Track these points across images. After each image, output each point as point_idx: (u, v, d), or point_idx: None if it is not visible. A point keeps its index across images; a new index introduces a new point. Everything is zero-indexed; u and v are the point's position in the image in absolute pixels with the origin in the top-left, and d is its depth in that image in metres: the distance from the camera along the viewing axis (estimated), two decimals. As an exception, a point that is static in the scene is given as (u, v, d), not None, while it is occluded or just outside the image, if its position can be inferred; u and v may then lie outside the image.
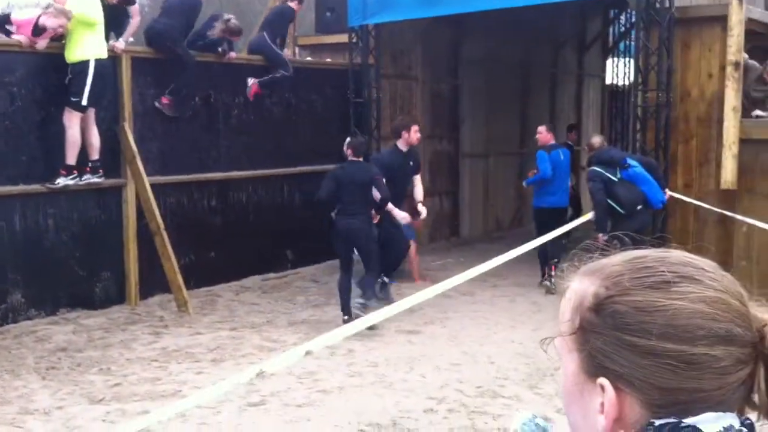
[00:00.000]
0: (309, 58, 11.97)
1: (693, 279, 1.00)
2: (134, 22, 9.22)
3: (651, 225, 9.06)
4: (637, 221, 8.38)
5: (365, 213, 8.14)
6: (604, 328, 1.00)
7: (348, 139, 8.65)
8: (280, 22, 11.21)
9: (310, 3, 13.27)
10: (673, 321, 0.97)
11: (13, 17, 8.32)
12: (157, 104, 9.46)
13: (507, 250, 6.56)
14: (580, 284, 1.05)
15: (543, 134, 10.19)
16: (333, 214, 8.16)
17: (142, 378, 6.73)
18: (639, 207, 8.49)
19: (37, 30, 8.19)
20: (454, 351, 7.46)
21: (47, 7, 8.20)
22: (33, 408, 6.04)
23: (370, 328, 7.62)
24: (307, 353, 4.46)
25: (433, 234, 13.19)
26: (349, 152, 8.28)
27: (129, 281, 9.03)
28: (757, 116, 9.65)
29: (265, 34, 10.87)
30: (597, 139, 9.36)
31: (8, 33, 8.28)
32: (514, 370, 6.80)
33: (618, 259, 1.06)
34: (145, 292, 9.15)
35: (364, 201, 8.11)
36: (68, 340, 7.75)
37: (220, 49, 10.00)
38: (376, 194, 8.16)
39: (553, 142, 10.09)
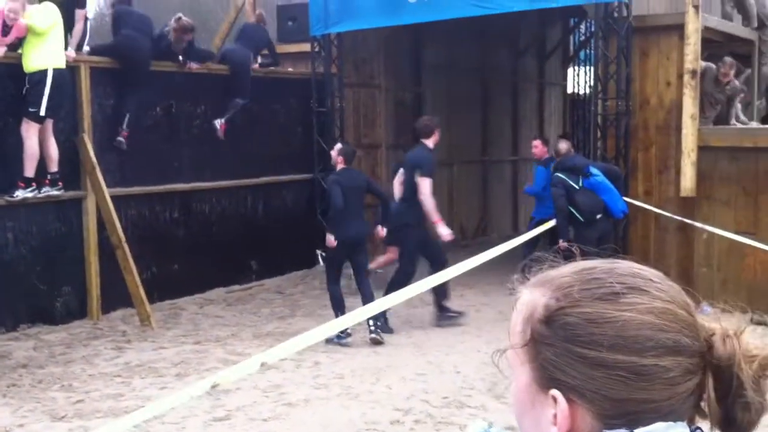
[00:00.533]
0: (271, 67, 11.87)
1: (641, 290, 1.01)
2: (78, 27, 9.02)
3: (613, 234, 9.14)
4: (597, 230, 8.47)
5: (364, 219, 8.20)
6: (555, 340, 1.00)
7: (338, 147, 8.47)
8: (257, 41, 11.20)
9: (272, 12, 13.25)
10: (623, 332, 0.98)
11: None
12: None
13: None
14: (531, 295, 1.06)
15: (538, 148, 10.23)
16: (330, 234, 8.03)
17: (105, 394, 6.64)
18: (599, 216, 8.56)
19: (5, 27, 8.08)
20: (419, 361, 7.46)
21: None
22: (-7, 427, 5.92)
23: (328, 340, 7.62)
24: (263, 365, 4.42)
25: (397, 242, 13.19)
26: (339, 160, 8.17)
27: (90, 295, 8.90)
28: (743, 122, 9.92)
29: (250, 52, 10.87)
30: (563, 146, 9.41)
31: None
32: (480, 379, 6.82)
33: (567, 270, 1.06)
34: (107, 307, 9.02)
35: (362, 207, 8.20)
36: (29, 356, 7.61)
37: (180, 58, 9.92)
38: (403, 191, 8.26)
39: (548, 155, 10.09)
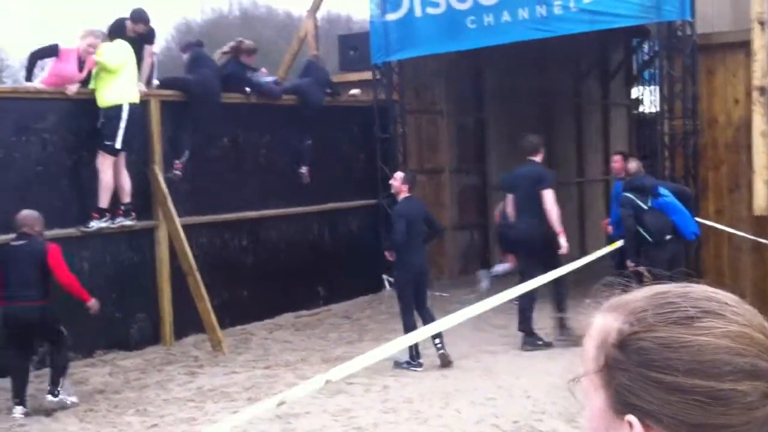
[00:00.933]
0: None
1: (716, 314, 1.00)
2: (146, 62, 9.35)
3: (684, 255, 8.89)
4: (667, 251, 8.27)
5: (425, 248, 8.23)
6: (630, 365, 1.00)
7: (400, 175, 8.49)
8: (321, 78, 11.45)
9: (334, 42, 13.46)
10: (699, 357, 0.97)
11: (61, 46, 8.51)
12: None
13: (539, 286, 6.54)
14: (604, 320, 1.05)
15: (618, 163, 9.97)
16: (389, 253, 8.12)
17: (179, 418, 6.76)
18: (668, 237, 8.38)
19: (81, 63, 8.43)
20: (489, 385, 7.41)
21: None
22: (72, 451, 6.08)
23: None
24: (328, 382, 4.47)
25: (464, 267, 13.17)
26: (405, 188, 8.18)
27: (163, 322, 9.10)
28: None
29: (323, 91, 11.20)
30: (633, 165, 9.16)
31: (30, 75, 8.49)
32: (551, 403, 6.73)
33: (641, 294, 1.06)
34: (180, 333, 9.22)
35: (422, 235, 8.24)
36: (105, 381, 7.81)
37: (247, 89, 10.18)
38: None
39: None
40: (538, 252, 8.46)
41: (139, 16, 9.32)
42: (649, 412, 0.99)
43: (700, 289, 1.04)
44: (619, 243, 8.78)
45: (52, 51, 8.50)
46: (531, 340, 8.67)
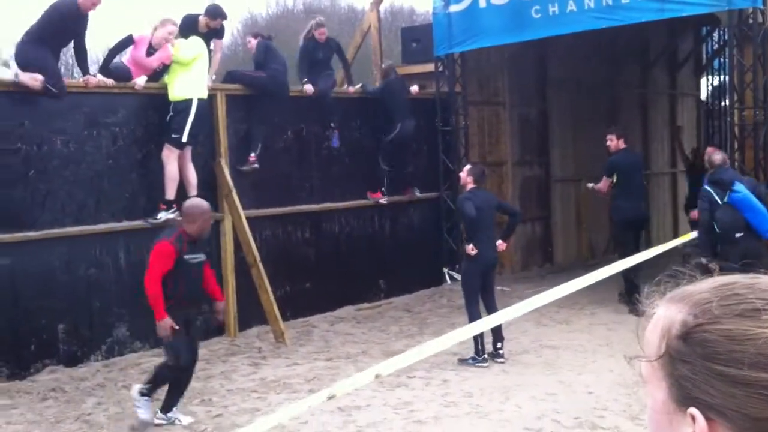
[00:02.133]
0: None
1: None
2: (216, 57, 9.54)
3: (761, 253, 8.14)
4: (739, 248, 7.91)
5: (495, 240, 8.15)
6: (693, 357, 0.99)
7: (467, 167, 8.48)
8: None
9: (397, 34, 13.45)
10: (765, 350, 0.96)
11: (135, 36, 8.80)
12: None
13: (602, 279, 6.45)
14: (667, 311, 1.04)
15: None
16: (471, 247, 7.95)
17: (242, 409, 6.88)
18: (739, 234, 8.05)
19: (150, 49, 8.64)
20: (550, 380, 7.35)
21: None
22: (140, 439, 6.24)
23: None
24: (377, 377, 4.48)
25: (525, 261, 13.08)
26: (469, 180, 8.11)
27: (228, 313, 9.24)
28: None
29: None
30: (717, 157, 8.69)
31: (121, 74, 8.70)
32: (613, 400, 6.65)
33: (706, 285, 1.04)
34: (244, 324, 9.37)
35: (494, 227, 8.18)
36: (171, 371, 7.97)
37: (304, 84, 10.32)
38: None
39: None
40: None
41: (217, 12, 9.48)
42: (712, 405, 0.98)
43: (766, 281, 1.03)
44: (692, 235, 8.61)
45: (128, 42, 8.80)
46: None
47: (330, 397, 5.29)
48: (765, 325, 0.97)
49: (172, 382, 6.52)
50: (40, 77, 7.80)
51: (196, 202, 6.66)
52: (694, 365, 0.99)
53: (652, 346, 1.04)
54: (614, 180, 9.97)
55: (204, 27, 9.44)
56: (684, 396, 1.00)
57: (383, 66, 11.40)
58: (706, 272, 1.11)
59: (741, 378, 0.96)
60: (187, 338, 6.46)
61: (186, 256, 6.28)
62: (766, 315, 0.98)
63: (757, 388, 0.95)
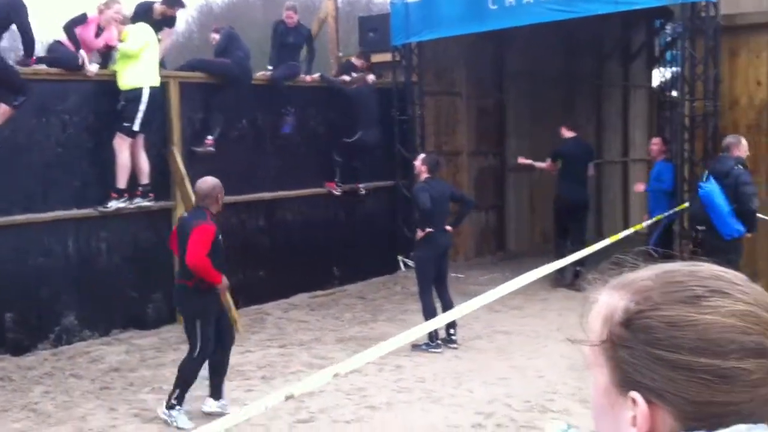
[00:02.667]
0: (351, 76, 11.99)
1: (723, 293, 1.01)
2: (164, 45, 9.42)
3: (722, 252, 7.56)
4: (704, 243, 7.80)
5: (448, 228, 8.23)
6: (635, 343, 1.01)
7: (422, 156, 8.52)
8: None
9: (354, 23, 13.42)
10: (705, 335, 0.98)
11: (90, 15, 8.67)
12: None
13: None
14: (610, 298, 1.06)
15: (657, 146, 10.22)
16: (420, 231, 8.03)
17: (193, 396, 6.80)
18: (702, 228, 7.90)
19: (99, 30, 8.51)
20: (502, 365, 7.42)
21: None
22: (87, 428, 6.17)
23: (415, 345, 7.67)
24: (335, 376, 4.49)
25: (479, 248, 13.16)
26: (423, 169, 8.14)
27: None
28: None
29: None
30: (723, 143, 8.44)
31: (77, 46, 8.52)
32: (563, 383, 6.73)
33: (647, 273, 1.06)
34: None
35: (447, 216, 8.25)
36: (121, 360, 7.89)
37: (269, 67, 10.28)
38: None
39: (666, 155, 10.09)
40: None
41: (176, 1, 9.36)
42: (652, 389, 1.00)
43: (707, 268, 1.05)
44: (644, 225, 8.76)
45: (82, 19, 8.64)
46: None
47: (288, 397, 5.27)
48: (705, 312, 0.99)
49: (188, 375, 6.25)
50: None
51: (211, 181, 6.42)
52: (635, 350, 1.01)
53: (595, 332, 1.06)
54: (559, 166, 10.83)
55: (159, 15, 9.32)
56: (625, 380, 1.02)
57: (355, 75, 11.29)
58: (650, 259, 1.13)
59: (681, 363, 0.98)
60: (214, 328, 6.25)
61: (220, 237, 6.25)
62: (705, 301, 0.99)
63: (697, 372, 0.97)
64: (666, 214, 9.09)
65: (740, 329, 0.98)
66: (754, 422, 0.98)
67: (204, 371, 6.35)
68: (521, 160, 11.30)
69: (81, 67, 8.39)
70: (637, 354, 1.00)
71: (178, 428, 6.15)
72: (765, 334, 0.99)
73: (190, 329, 6.20)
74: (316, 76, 11.03)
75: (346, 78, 11.24)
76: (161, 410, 6.25)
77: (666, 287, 1.02)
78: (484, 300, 5.75)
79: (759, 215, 8.05)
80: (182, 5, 9.51)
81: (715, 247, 7.60)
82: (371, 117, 10.99)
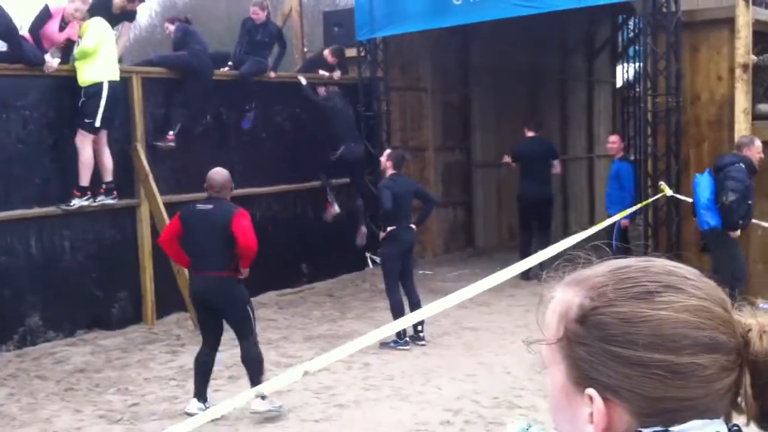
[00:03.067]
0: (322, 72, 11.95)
1: (676, 288, 1.01)
2: (122, 41, 9.32)
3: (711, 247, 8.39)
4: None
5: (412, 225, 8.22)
6: (590, 339, 1.01)
7: (387, 152, 8.52)
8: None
9: (319, 18, 13.35)
10: (659, 331, 0.98)
11: (52, 8, 8.49)
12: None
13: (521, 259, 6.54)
14: (564, 295, 1.06)
15: (616, 144, 10.49)
16: (385, 228, 8.05)
17: (160, 397, 6.77)
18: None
19: (62, 23, 8.38)
20: (470, 362, 7.45)
21: None
22: (52, 429, 6.09)
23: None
24: (305, 374, 4.49)
25: (447, 245, 13.20)
26: (388, 165, 8.13)
27: (145, 300, 9.09)
28: None
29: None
30: (736, 141, 8.49)
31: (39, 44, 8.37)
32: (529, 380, 6.78)
33: (601, 269, 1.07)
34: (162, 311, 9.20)
35: (411, 212, 8.25)
36: (86, 361, 7.80)
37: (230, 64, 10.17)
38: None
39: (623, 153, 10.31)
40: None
41: None
42: (608, 386, 1.00)
43: (660, 264, 1.05)
44: (608, 221, 8.84)
45: (46, 14, 8.47)
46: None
47: (259, 396, 5.24)
48: (658, 307, 0.99)
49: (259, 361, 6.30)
50: None
51: (223, 171, 6.37)
52: (591, 347, 1.01)
53: (551, 329, 1.07)
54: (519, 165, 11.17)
55: (118, 9, 9.19)
56: (582, 377, 1.02)
57: (328, 88, 11.17)
58: (604, 255, 1.13)
59: (636, 359, 0.98)
60: None
61: None
62: (659, 297, 1.00)
63: (652, 368, 0.98)
64: (627, 212, 9.17)
65: (693, 324, 0.99)
66: (710, 417, 1.00)
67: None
68: (506, 160, 11.56)
69: (42, 63, 8.26)
70: (593, 351, 1.01)
71: (279, 411, 6.11)
72: (718, 329, 1.00)
73: (243, 316, 6.26)
74: (304, 82, 10.89)
75: (322, 90, 11.13)
76: (257, 405, 5.99)
77: (619, 283, 1.02)
78: (453, 301, 5.77)
79: (755, 221, 8.29)
80: None
81: (702, 238, 8.23)
82: (351, 131, 10.91)
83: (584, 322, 1.02)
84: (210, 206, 6.22)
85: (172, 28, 10.12)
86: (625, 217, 9.46)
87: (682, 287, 1.01)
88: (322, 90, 11.08)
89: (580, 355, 1.02)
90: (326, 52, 11.66)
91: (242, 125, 10.33)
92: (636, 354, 0.98)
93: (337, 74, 11.47)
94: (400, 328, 7.23)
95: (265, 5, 10.68)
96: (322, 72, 11.40)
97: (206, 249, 6.11)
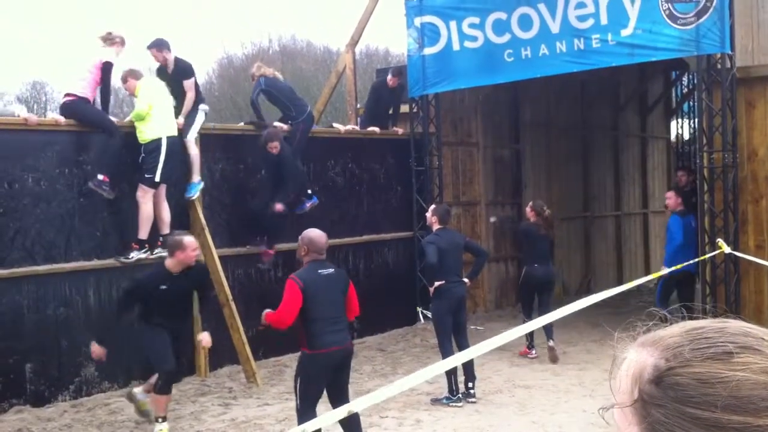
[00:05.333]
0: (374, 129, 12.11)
1: (754, 349, 1.00)
2: (188, 96, 9.46)
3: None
4: None
5: (463, 278, 8.17)
6: (666, 401, 1.00)
7: (432, 207, 8.53)
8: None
9: (372, 75, 13.57)
10: (737, 392, 0.97)
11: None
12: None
13: (574, 318, 6.47)
14: (638, 355, 1.05)
15: (672, 200, 9.99)
16: (436, 283, 7.97)
17: None
18: None
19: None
20: (523, 421, 7.32)
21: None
22: (106, 481, 6.12)
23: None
24: (349, 413, 4.47)
25: (499, 301, 13.09)
26: (434, 220, 8.14)
27: (199, 353, 9.15)
28: None
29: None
30: None
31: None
32: (585, 440, 6.64)
33: (676, 330, 1.05)
34: (215, 364, 9.26)
35: (461, 266, 8.20)
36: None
37: (287, 122, 10.35)
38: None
39: (681, 207, 9.82)
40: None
41: (160, 43, 9.43)
42: None
43: (736, 324, 1.04)
44: (661, 272, 8.71)
45: (110, 70, 8.83)
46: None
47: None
48: (736, 369, 0.98)
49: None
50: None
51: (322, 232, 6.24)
52: (667, 409, 0.99)
53: (624, 392, 1.05)
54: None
55: (162, 62, 9.44)
56: None
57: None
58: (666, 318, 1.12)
59: (714, 420, 0.96)
60: None
61: None
62: (736, 358, 0.99)
63: (729, 430, 0.96)
64: (674, 267, 8.96)
65: None
66: None
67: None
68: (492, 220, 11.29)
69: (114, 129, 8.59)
70: (669, 412, 0.99)
71: None
72: None
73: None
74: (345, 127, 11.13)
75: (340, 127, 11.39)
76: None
77: (695, 344, 1.01)
78: (498, 341, 5.68)
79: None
80: (166, 46, 9.49)
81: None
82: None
83: (660, 383, 1.01)
84: (331, 271, 6.08)
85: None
86: (677, 270, 9.23)
87: (759, 348, 1.00)
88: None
89: (656, 418, 1.00)
90: (388, 77, 11.88)
91: (299, 209, 10.33)
92: (714, 416, 0.96)
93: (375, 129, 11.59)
94: (446, 368, 7.14)
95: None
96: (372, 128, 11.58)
97: (336, 310, 5.97)
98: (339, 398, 5.92)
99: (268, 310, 6.13)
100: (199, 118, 9.42)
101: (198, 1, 42.09)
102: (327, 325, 5.83)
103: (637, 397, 1.02)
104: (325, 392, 6.02)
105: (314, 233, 6.09)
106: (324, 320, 5.83)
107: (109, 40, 8.76)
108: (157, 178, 8.62)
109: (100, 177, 8.39)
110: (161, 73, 9.51)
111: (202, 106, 9.53)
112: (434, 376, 6.30)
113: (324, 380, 5.92)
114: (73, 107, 8.59)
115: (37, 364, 8.03)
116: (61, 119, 8.45)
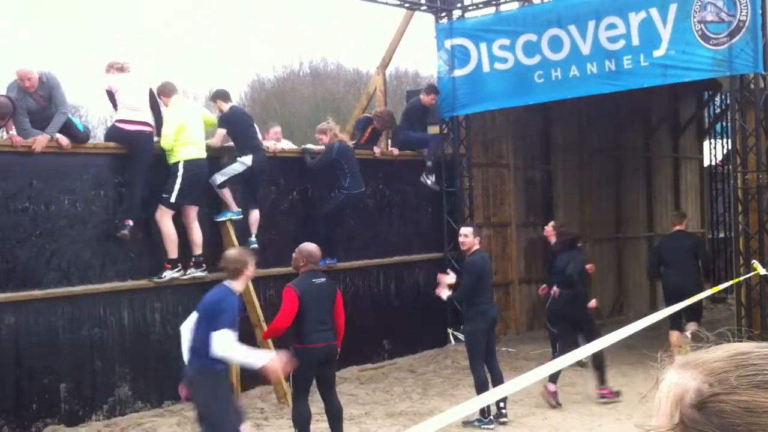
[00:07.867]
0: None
1: None
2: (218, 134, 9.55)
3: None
4: None
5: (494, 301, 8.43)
6: (709, 427, 0.98)
7: (471, 230, 8.13)
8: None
9: (402, 97, 13.63)
10: None
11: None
12: None
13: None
14: (680, 377, 1.03)
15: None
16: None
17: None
18: None
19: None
20: (556, 444, 7.25)
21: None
22: (139, 501, 6.15)
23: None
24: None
25: (530, 323, 13.01)
26: (477, 241, 8.03)
27: (230, 373, 9.17)
28: None
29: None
30: None
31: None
32: (620, 464, 6.56)
33: (720, 354, 1.03)
34: (246, 385, 9.29)
35: (493, 288, 8.54)
36: (172, 432, 7.90)
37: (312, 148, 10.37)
38: None
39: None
40: None
41: (225, 95, 9.62)
42: None
43: None
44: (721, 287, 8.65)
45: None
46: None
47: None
48: None
49: None
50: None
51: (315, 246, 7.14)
52: None
53: (663, 414, 1.03)
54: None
55: (217, 110, 9.62)
56: None
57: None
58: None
59: None
60: None
61: None
62: None
63: None
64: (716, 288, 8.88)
65: None
66: None
67: None
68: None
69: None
70: None
71: None
72: None
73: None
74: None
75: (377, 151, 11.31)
76: None
77: (741, 370, 0.99)
78: (537, 375, 5.66)
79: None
80: (219, 97, 9.63)
81: None
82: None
83: (703, 409, 0.99)
84: (322, 280, 6.95)
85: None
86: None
87: None
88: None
89: None
90: (422, 95, 11.79)
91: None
92: None
93: (376, 150, 11.36)
94: (484, 404, 7.12)
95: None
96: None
97: (326, 319, 6.91)
98: (327, 390, 7.07)
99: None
100: (234, 167, 9.41)
101: (231, 24, 42.63)
102: (316, 325, 6.76)
103: (678, 421, 1.01)
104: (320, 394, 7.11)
105: (312, 247, 7.02)
106: (314, 321, 6.75)
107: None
108: (173, 199, 8.69)
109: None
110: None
111: (244, 158, 9.40)
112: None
113: (312, 371, 6.89)
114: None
115: (71, 384, 8.12)
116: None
